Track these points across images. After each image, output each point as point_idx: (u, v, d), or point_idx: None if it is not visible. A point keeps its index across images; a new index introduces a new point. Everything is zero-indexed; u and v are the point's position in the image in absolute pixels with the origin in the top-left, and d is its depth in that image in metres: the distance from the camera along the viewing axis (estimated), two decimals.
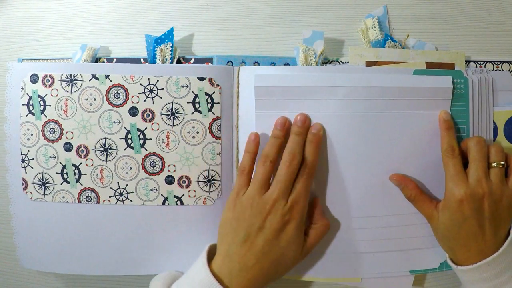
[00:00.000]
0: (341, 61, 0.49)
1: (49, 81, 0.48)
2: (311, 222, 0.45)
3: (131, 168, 0.48)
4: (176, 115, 0.48)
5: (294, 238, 0.42)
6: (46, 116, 0.48)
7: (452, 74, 0.47)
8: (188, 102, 0.47)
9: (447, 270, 0.47)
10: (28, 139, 0.49)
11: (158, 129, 0.48)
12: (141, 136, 0.48)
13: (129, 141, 0.48)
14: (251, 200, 0.42)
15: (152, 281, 0.45)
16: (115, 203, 0.49)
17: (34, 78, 0.49)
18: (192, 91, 0.47)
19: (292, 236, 0.42)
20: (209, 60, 0.50)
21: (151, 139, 0.48)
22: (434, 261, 0.47)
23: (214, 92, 0.47)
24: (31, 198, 0.50)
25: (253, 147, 0.44)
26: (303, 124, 0.44)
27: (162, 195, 0.48)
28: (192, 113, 0.47)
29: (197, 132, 0.48)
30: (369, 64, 0.47)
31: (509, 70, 0.49)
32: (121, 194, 0.49)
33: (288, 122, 0.45)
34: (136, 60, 0.51)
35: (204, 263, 0.41)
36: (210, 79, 0.47)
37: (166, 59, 0.49)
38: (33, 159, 0.49)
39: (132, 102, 0.48)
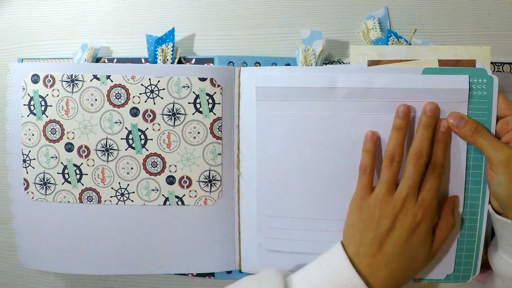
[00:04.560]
0: (343, 62, 0.49)
1: (50, 81, 0.48)
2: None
3: (132, 168, 0.48)
4: (177, 115, 0.48)
5: (425, 239, 0.41)
6: (47, 116, 0.49)
7: (472, 72, 0.42)
8: (189, 103, 0.47)
9: (454, 282, 0.46)
10: (29, 139, 0.49)
11: (159, 130, 0.48)
12: (142, 137, 0.48)
13: (130, 141, 0.48)
14: (380, 201, 0.41)
15: (263, 273, 0.42)
16: (116, 203, 0.49)
17: (35, 78, 0.49)
18: (193, 92, 0.47)
19: (423, 237, 0.41)
20: (210, 60, 0.50)
21: (152, 139, 0.48)
22: (441, 272, 0.45)
23: (215, 92, 0.47)
24: (33, 198, 0.50)
25: (372, 145, 0.43)
26: (433, 114, 0.42)
27: (163, 195, 0.49)
28: (193, 114, 0.48)
29: (198, 133, 0.48)
30: (372, 63, 0.45)
31: (510, 71, 0.49)
32: (122, 194, 0.49)
33: (410, 109, 0.42)
34: (137, 60, 0.51)
35: (348, 262, 0.39)
36: (211, 79, 0.47)
37: (167, 60, 0.49)
38: (34, 159, 0.49)
39: (133, 102, 0.48)
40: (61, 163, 0.49)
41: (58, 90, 0.48)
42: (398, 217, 0.40)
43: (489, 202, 0.44)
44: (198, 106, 0.47)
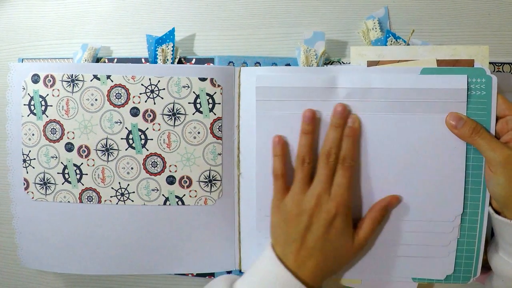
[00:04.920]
0: (342, 62, 0.49)
1: (50, 81, 0.48)
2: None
3: (132, 168, 0.48)
4: (177, 115, 0.48)
5: (343, 231, 0.43)
6: (47, 116, 0.49)
7: (470, 72, 0.42)
8: (189, 103, 0.47)
9: (454, 283, 0.46)
10: (30, 139, 0.49)
11: (159, 130, 0.48)
12: (142, 137, 0.48)
13: (130, 141, 0.48)
14: (296, 199, 0.43)
15: (213, 281, 0.45)
16: (116, 203, 0.49)
17: (35, 78, 0.49)
18: (193, 92, 0.47)
19: (340, 229, 0.42)
20: (210, 60, 0.50)
21: (152, 139, 0.48)
22: (440, 272, 0.46)
23: (215, 92, 0.47)
24: (33, 198, 0.50)
25: (280, 149, 0.45)
26: (341, 116, 0.44)
27: (163, 195, 0.49)
28: (193, 114, 0.48)
29: (198, 133, 0.48)
30: (371, 63, 0.45)
31: (510, 71, 0.49)
32: (122, 194, 0.49)
33: (314, 113, 0.45)
34: (137, 60, 0.51)
35: (276, 260, 0.42)
36: (212, 79, 0.47)
37: (167, 60, 0.49)
38: (34, 159, 0.49)
39: (133, 102, 0.48)
40: (61, 163, 0.49)
41: (58, 90, 0.48)
42: (314, 213, 0.42)
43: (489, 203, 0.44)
44: (198, 106, 0.48)
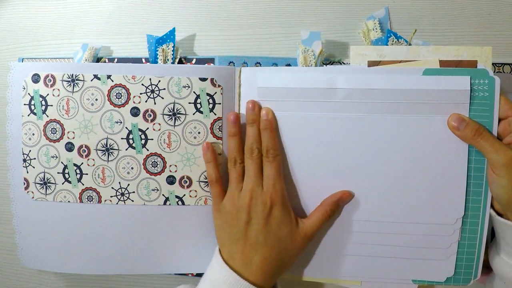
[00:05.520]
0: (343, 62, 0.49)
1: (50, 81, 0.48)
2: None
3: (132, 168, 0.48)
4: (178, 115, 0.48)
5: (283, 219, 0.43)
6: (47, 116, 0.49)
7: (473, 73, 0.42)
8: (189, 103, 0.47)
9: (454, 285, 0.46)
10: (30, 138, 0.49)
11: (159, 129, 0.48)
12: (143, 136, 0.48)
13: (131, 141, 0.48)
14: (232, 198, 0.44)
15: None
16: (117, 203, 0.49)
17: (35, 78, 0.49)
18: (194, 92, 0.47)
19: (280, 218, 0.43)
20: (210, 60, 0.50)
21: (152, 139, 0.48)
22: (441, 274, 0.45)
23: (215, 92, 0.47)
24: (33, 197, 0.50)
25: (211, 155, 0.46)
26: (253, 112, 0.45)
27: (163, 195, 0.49)
28: (193, 114, 0.48)
29: (199, 133, 0.48)
30: (372, 64, 0.45)
31: (510, 72, 0.48)
32: (122, 194, 0.49)
33: (238, 116, 0.46)
34: (137, 60, 0.51)
35: (221, 263, 0.43)
36: (212, 79, 0.47)
37: (168, 60, 0.49)
38: (34, 158, 0.49)
39: (134, 102, 0.48)
40: (62, 162, 0.49)
41: (58, 89, 0.48)
42: (251, 207, 0.43)
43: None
44: (198, 106, 0.47)
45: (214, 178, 0.46)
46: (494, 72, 0.47)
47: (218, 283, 0.42)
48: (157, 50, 0.49)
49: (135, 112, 0.48)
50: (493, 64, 0.48)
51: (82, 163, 0.49)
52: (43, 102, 0.48)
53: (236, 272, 0.41)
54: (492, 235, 0.47)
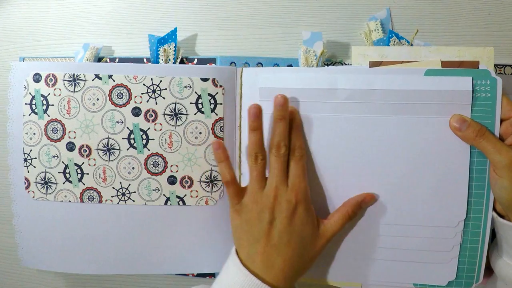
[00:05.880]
0: (345, 63, 0.49)
1: (52, 80, 0.48)
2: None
3: (133, 168, 0.48)
4: (179, 115, 0.48)
5: (307, 219, 0.42)
6: (48, 116, 0.48)
7: (475, 74, 0.42)
8: (191, 103, 0.47)
9: None
10: (31, 138, 0.49)
11: (161, 130, 0.48)
12: (144, 136, 0.48)
13: (132, 141, 0.48)
14: (255, 197, 0.42)
15: None
16: (117, 203, 0.49)
17: (37, 78, 0.49)
18: (195, 92, 0.47)
19: (304, 218, 0.42)
20: (212, 60, 0.50)
21: (153, 139, 0.48)
22: (442, 278, 0.45)
23: (217, 93, 0.47)
24: (33, 197, 0.50)
25: (222, 154, 0.44)
26: (282, 108, 0.43)
27: (164, 195, 0.49)
28: (195, 114, 0.48)
29: (200, 133, 0.48)
30: (373, 64, 0.44)
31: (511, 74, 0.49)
32: (123, 194, 0.49)
33: (261, 109, 0.44)
34: (139, 60, 0.51)
35: (240, 265, 0.41)
36: (213, 79, 0.47)
37: (169, 60, 0.49)
38: (35, 158, 0.49)
39: (135, 102, 0.48)
40: (62, 162, 0.49)
41: (60, 89, 0.48)
42: (275, 207, 0.42)
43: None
44: (200, 106, 0.47)
45: (229, 178, 0.43)
46: (495, 73, 0.47)
47: (236, 286, 0.39)
48: (159, 50, 0.49)
49: (136, 112, 0.48)
50: (494, 65, 0.47)
51: (83, 162, 0.49)
52: (44, 102, 0.48)
53: (255, 275, 0.40)
54: (492, 237, 0.46)
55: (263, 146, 0.44)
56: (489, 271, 0.45)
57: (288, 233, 0.41)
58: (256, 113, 0.43)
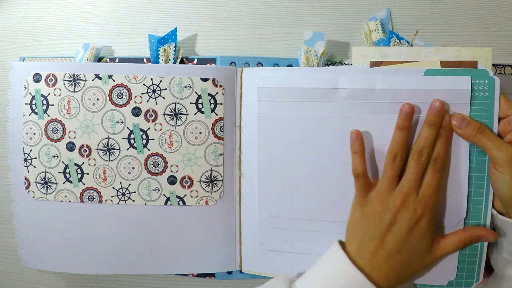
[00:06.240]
0: (345, 63, 0.49)
1: (52, 80, 0.48)
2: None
3: (133, 168, 0.48)
4: (179, 115, 0.48)
5: (426, 234, 0.41)
6: (49, 116, 0.48)
7: (473, 73, 0.42)
8: (191, 103, 0.47)
9: None
10: (31, 138, 0.49)
11: (161, 130, 0.48)
12: (144, 136, 0.48)
13: (132, 141, 0.48)
14: (382, 196, 0.41)
15: (270, 282, 0.43)
16: (117, 203, 0.49)
17: (37, 78, 0.49)
18: (195, 92, 0.47)
19: (423, 232, 0.40)
20: (212, 60, 0.50)
21: (153, 139, 0.48)
22: (443, 278, 0.45)
23: (217, 93, 0.47)
24: (33, 197, 0.50)
25: (359, 145, 0.43)
26: (438, 113, 0.41)
27: (164, 195, 0.49)
28: (195, 114, 0.48)
29: (200, 133, 0.48)
30: (374, 64, 0.45)
31: (511, 74, 0.49)
32: (123, 194, 0.49)
33: (413, 108, 0.42)
34: (139, 60, 0.51)
35: (347, 260, 0.39)
36: (213, 80, 0.47)
37: (169, 60, 0.49)
38: (35, 158, 0.49)
39: (135, 102, 0.48)
40: (62, 162, 0.49)
41: (60, 89, 0.48)
42: (399, 212, 0.40)
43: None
44: (200, 106, 0.47)
45: (361, 170, 0.42)
46: (495, 73, 0.48)
47: (337, 281, 0.38)
48: (159, 50, 0.49)
49: (136, 112, 0.48)
50: (494, 65, 0.48)
51: (83, 162, 0.49)
52: (44, 102, 0.48)
53: (363, 272, 0.39)
54: None
55: (405, 148, 0.42)
56: (489, 270, 0.45)
57: (403, 242, 0.40)
58: (409, 112, 0.42)
